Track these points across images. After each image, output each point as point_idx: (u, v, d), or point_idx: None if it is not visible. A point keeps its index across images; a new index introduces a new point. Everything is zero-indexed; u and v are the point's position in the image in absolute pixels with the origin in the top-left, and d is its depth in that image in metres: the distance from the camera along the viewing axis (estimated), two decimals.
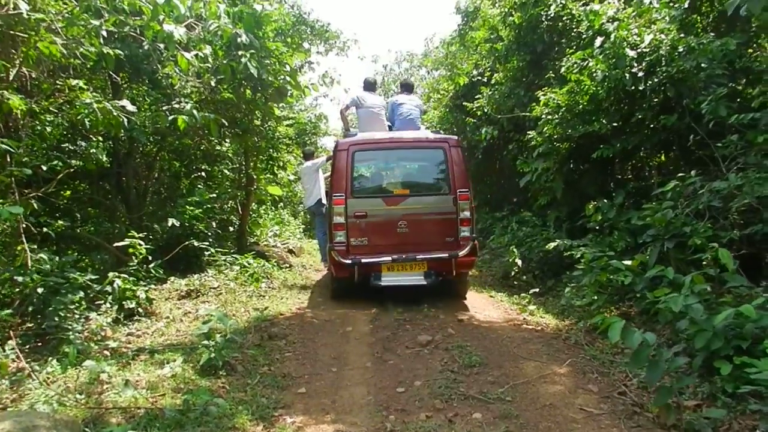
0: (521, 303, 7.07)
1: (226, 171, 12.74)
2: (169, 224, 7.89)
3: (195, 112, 5.24)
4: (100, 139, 7.09)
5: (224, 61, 5.41)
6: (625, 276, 5.48)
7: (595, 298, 5.81)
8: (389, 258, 6.84)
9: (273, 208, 16.38)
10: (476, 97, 10.69)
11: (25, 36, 4.78)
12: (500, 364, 4.62)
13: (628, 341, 3.53)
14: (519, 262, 8.05)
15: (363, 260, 6.81)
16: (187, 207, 8.28)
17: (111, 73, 8.48)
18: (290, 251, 12.19)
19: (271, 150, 11.92)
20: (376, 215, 7.04)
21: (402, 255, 6.85)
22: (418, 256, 6.87)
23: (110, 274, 6.15)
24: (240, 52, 5.48)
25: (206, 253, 7.83)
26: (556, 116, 7.55)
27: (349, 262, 6.78)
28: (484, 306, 7.03)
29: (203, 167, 12.27)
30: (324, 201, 9.47)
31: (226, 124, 6.59)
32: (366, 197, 7.16)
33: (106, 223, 8.92)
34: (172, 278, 7.45)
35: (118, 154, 8.98)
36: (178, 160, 11.50)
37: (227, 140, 11.71)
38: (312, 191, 9.93)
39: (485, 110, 10.28)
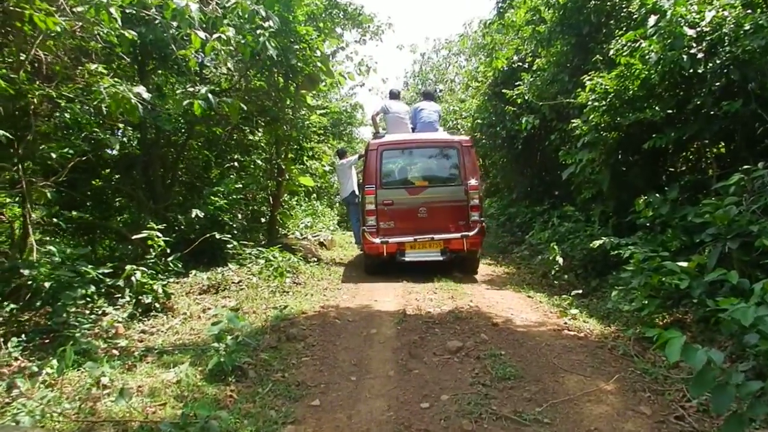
0: (562, 305, 6.54)
1: (258, 161, 12.51)
2: (193, 215, 7.61)
3: (210, 96, 4.87)
4: (120, 126, 6.79)
5: (242, 41, 4.99)
6: (681, 279, 4.92)
7: (646, 302, 5.23)
8: (412, 238, 8.23)
9: (306, 199, 16.08)
10: (516, 84, 10.11)
11: (21, 10, 4.46)
12: (538, 377, 4.13)
13: (690, 360, 3.00)
14: (560, 260, 7.49)
15: (390, 240, 8.21)
16: (212, 197, 7.99)
17: (139, 58, 8.30)
18: (321, 244, 11.85)
19: (302, 139, 11.58)
20: (401, 203, 8.42)
21: (422, 235, 8.23)
22: (435, 237, 8.23)
23: (128, 267, 5.89)
24: (258, 31, 5.09)
25: (228, 246, 7.51)
26: (604, 103, 6.94)
27: (379, 241, 8.19)
28: (522, 308, 6.52)
29: (236, 157, 12.05)
30: (357, 193, 10.63)
31: (245, 109, 6.23)
32: (392, 188, 8.52)
33: (134, 213, 8.73)
34: (194, 272, 7.17)
35: (146, 143, 8.77)
36: (208, 149, 11.29)
37: (260, 129, 11.45)
38: (346, 185, 11.03)
39: (526, 98, 9.70)
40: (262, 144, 12.32)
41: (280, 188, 11.56)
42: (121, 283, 5.58)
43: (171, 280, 6.38)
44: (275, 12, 8.35)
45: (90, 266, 5.30)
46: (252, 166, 12.36)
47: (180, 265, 6.42)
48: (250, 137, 12.08)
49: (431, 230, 8.25)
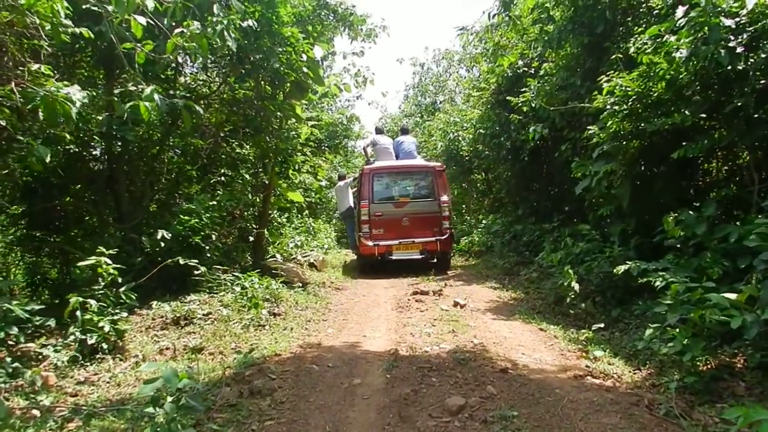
0: (580, 340, 5.64)
1: (246, 176, 11.68)
2: (159, 236, 6.72)
3: (157, 97, 3.99)
4: (64, 136, 5.88)
5: (198, 31, 4.12)
6: (732, 316, 4.01)
7: (688, 343, 4.29)
8: (397, 242, 10.48)
9: (298, 215, 15.18)
10: (522, 90, 9.25)
11: None
12: None
13: None
14: (576, 286, 6.56)
15: (380, 243, 10.46)
16: (182, 216, 7.10)
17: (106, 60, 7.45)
18: (311, 265, 10.92)
19: (290, 151, 10.71)
20: (388, 214, 10.63)
21: (405, 239, 10.47)
22: (415, 240, 10.49)
23: (72, 300, 5.01)
24: (214, 19, 4.22)
25: (195, 272, 6.54)
26: (624, 107, 6.07)
27: (372, 244, 10.44)
28: (534, 344, 5.60)
29: (222, 171, 11.20)
30: (352, 206, 12.78)
31: (201, 111, 5.32)
32: (382, 203, 10.70)
33: (95, 234, 7.85)
34: (155, 303, 6.26)
35: (111, 155, 7.93)
36: (190, 164, 10.45)
37: (248, 142, 10.62)
38: (343, 202, 13.31)
39: (533, 105, 8.82)
40: (251, 158, 11.47)
41: (266, 204, 10.66)
42: (52, 322, 4.66)
43: (125, 314, 5.45)
44: (256, 12, 7.56)
45: (15, 303, 4.39)
46: (240, 181, 11.54)
47: (134, 297, 5.49)
48: (238, 150, 11.27)
49: (412, 235, 10.49)
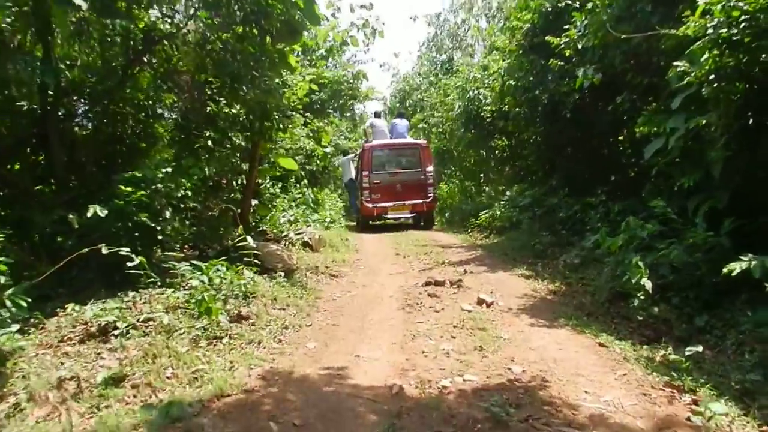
0: (661, 364, 3.96)
1: (236, 139, 10.02)
2: (90, 213, 5.05)
3: None
4: None
5: None
6: None
7: None
8: (392, 204, 13.36)
9: (296, 185, 13.50)
10: (564, 28, 7.36)
11: None
12: None
13: None
14: (647, 284, 4.81)
15: (378, 205, 13.36)
16: (123, 188, 5.41)
17: None
18: (305, 244, 9.21)
19: (282, 108, 8.93)
20: (385, 182, 13.40)
21: (398, 202, 13.32)
22: (406, 203, 13.35)
23: None
24: None
25: (129, 263, 4.82)
26: (735, 31, 4.22)
27: (372, 206, 13.34)
28: (598, 373, 3.89)
29: (209, 134, 9.54)
30: (354, 179, 16.03)
31: (82, 5, 3.62)
32: (379, 173, 13.51)
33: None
34: (72, 306, 4.59)
35: (45, 110, 6.25)
36: (161, 125, 8.85)
37: (235, 99, 8.90)
38: (347, 173, 16.55)
39: (579, 46, 6.95)
40: (240, 117, 9.77)
41: (252, 172, 8.96)
42: None
43: (14, 328, 3.81)
44: None
45: None
46: (228, 145, 9.89)
47: (25, 304, 3.84)
48: (226, 110, 9.57)
49: (404, 199, 13.22)
